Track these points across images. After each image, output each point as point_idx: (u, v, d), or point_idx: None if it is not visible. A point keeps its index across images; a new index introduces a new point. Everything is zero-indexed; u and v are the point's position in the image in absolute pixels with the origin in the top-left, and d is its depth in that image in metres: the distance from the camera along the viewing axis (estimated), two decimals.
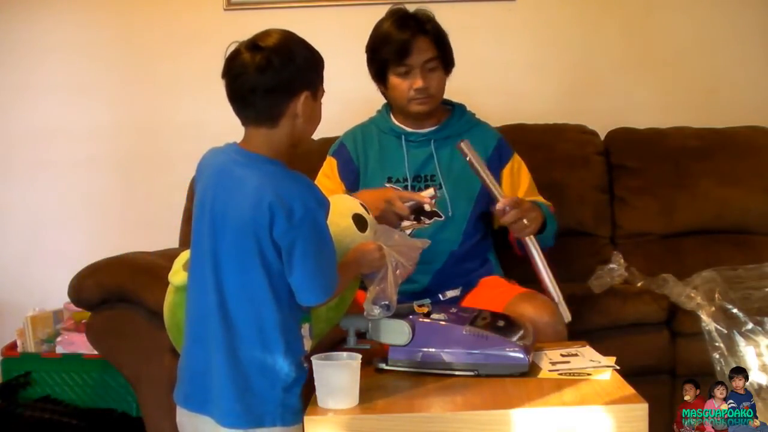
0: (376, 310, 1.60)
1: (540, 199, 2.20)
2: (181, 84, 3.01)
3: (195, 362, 1.54)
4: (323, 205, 1.49)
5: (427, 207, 1.95)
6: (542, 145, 2.56)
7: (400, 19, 2.09)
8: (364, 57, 3.05)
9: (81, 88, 3.07)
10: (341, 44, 3.07)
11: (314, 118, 1.57)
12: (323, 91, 1.58)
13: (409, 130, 2.19)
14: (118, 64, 3.05)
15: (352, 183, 2.20)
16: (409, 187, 2.13)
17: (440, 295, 2.08)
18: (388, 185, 2.15)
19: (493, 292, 2.07)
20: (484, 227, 2.19)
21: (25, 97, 3.06)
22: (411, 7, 2.16)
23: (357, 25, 3.06)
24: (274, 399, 1.47)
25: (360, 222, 1.69)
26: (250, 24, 3.04)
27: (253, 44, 1.49)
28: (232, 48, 1.51)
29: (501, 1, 2.99)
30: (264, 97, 1.48)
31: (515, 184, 2.19)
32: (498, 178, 2.17)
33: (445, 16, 2.18)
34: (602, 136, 2.89)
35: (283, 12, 3.03)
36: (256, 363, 1.47)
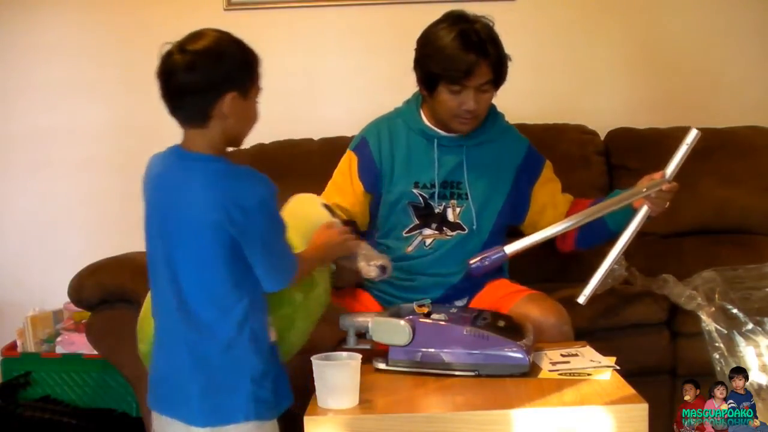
0: (373, 272, 1.62)
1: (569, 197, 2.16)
2: None
3: (162, 365, 1.56)
4: (273, 192, 1.51)
5: (372, 274, 1.75)
6: (542, 145, 2.55)
7: (464, 37, 1.93)
8: (364, 57, 3.07)
9: (81, 88, 3.07)
10: (341, 44, 3.07)
11: (248, 117, 1.57)
12: (258, 90, 1.56)
13: (443, 133, 2.06)
14: (118, 64, 3.05)
15: (372, 185, 2.09)
16: (436, 195, 2.04)
17: (448, 305, 2.05)
18: (416, 188, 2.07)
19: (499, 293, 2.05)
20: (503, 240, 2.11)
21: (25, 97, 3.06)
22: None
23: (357, 25, 3.07)
24: (244, 393, 1.48)
25: (330, 209, 1.76)
26: (250, 24, 3.07)
27: (183, 46, 1.50)
28: (166, 48, 1.52)
29: (501, 1, 2.99)
30: (190, 98, 1.50)
31: (555, 191, 2.14)
32: (528, 192, 2.12)
33: None
34: (602, 136, 2.89)
35: (283, 12, 3.03)
36: (222, 358, 1.48)
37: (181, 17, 3.02)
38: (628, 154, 2.83)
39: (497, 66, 1.97)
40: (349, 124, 2.77)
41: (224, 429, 1.48)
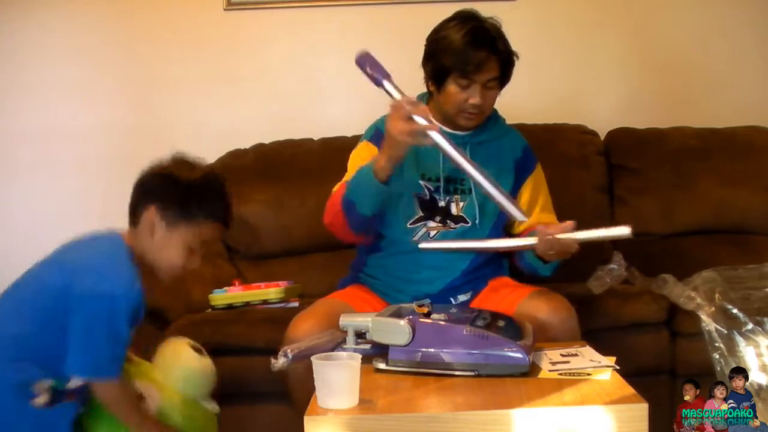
0: (281, 360, 1.61)
1: (552, 217, 2.14)
2: (181, 84, 3.00)
3: None
4: None
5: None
6: (542, 145, 2.56)
7: (475, 33, 2.00)
8: None
9: (81, 88, 3.07)
10: (341, 44, 3.07)
11: (167, 247, 1.66)
12: (197, 234, 1.65)
13: (447, 130, 2.07)
14: (118, 64, 3.05)
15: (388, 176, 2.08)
16: (441, 189, 2.08)
17: (452, 299, 2.06)
18: (422, 179, 2.09)
19: (504, 290, 2.05)
20: (506, 235, 2.14)
21: (25, 97, 3.06)
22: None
23: (357, 25, 3.07)
24: None
25: (199, 350, 1.78)
26: (250, 24, 3.07)
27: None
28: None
29: (501, 1, 3.00)
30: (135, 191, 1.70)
31: (533, 199, 2.13)
32: (518, 190, 2.12)
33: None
34: (602, 136, 2.90)
35: (282, 12, 3.03)
36: None
37: (181, 17, 3.03)
38: (628, 154, 2.83)
39: (505, 63, 2.04)
40: (349, 124, 2.77)
41: None
